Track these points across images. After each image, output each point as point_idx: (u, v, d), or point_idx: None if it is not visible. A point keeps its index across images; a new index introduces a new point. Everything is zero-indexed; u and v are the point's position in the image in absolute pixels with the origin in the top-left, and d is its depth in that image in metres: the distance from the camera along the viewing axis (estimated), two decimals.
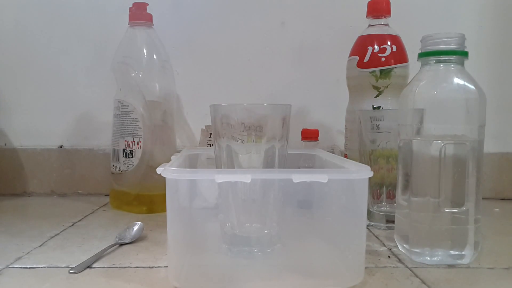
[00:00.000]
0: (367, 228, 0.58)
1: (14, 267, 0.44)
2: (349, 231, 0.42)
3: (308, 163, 0.60)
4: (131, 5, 0.70)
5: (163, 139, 0.70)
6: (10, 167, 0.82)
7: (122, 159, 0.68)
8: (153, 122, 0.68)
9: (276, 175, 0.41)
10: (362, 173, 0.40)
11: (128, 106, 0.67)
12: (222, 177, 0.38)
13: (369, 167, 0.41)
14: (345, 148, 0.70)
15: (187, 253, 0.43)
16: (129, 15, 0.70)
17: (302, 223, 0.51)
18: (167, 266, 0.45)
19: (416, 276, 0.43)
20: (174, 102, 0.73)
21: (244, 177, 0.38)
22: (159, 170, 0.39)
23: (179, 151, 0.61)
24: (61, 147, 0.83)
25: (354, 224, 0.41)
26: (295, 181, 0.38)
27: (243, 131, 0.45)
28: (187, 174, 0.39)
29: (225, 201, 0.45)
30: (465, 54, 0.46)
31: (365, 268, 0.42)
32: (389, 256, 0.49)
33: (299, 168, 0.60)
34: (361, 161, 0.59)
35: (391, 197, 0.59)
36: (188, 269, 0.42)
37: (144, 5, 0.70)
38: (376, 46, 0.63)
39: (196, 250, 0.46)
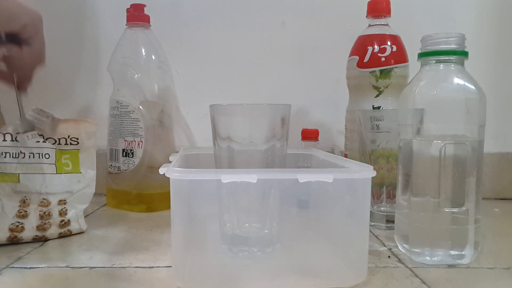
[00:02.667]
0: None
1: (14, 267, 0.44)
2: (351, 230, 0.42)
3: (307, 163, 0.60)
4: (129, 6, 0.70)
5: (161, 138, 0.70)
6: None
7: (121, 158, 0.68)
8: (152, 122, 0.68)
9: (281, 175, 0.41)
10: (366, 172, 0.40)
11: (128, 106, 0.67)
12: (228, 177, 0.38)
13: (371, 167, 0.41)
14: (345, 148, 0.70)
15: (190, 253, 0.43)
16: (127, 16, 0.70)
17: (302, 223, 0.51)
18: (167, 266, 0.45)
19: (416, 276, 0.43)
20: (172, 102, 0.73)
21: (249, 177, 0.38)
22: (162, 171, 0.39)
23: (177, 151, 0.61)
24: None
25: (357, 224, 0.41)
26: (300, 181, 0.38)
27: (242, 131, 0.45)
28: (192, 175, 0.39)
29: (225, 201, 0.45)
30: (465, 54, 0.46)
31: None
32: (389, 256, 0.49)
33: (299, 168, 0.61)
34: (361, 161, 0.58)
35: (391, 197, 0.59)
36: (191, 270, 0.42)
37: (142, 6, 0.70)
38: (376, 46, 0.63)
39: (198, 250, 0.46)
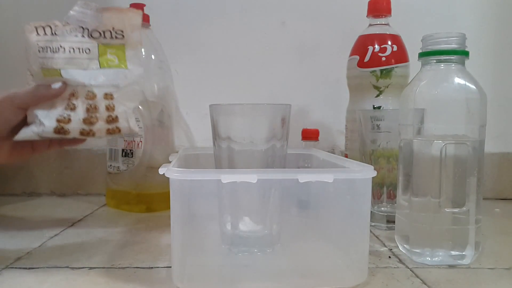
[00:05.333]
0: None
1: (13, 268, 0.44)
2: (352, 230, 0.42)
3: (307, 163, 0.60)
4: (128, 6, 0.69)
5: (161, 138, 0.70)
6: (9, 167, 0.81)
7: (121, 158, 0.68)
8: (152, 122, 0.68)
9: (281, 175, 0.41)
10: (366, 172, 0.40)
11: None
12: (228, 177, 0.38)
13: (372, 167, 0.41)
14: (345, 148, 0.70)
15: (189, 254, 0.43)
16: None
17: (303, 223, 0.51)
18: (166, 267, 0.44)
19: (417, 276, 0.43)
20: (172, 102, 0.73)
21: (249, 177, 0.38)
22: (161, 171, 0.39)
23: (176, 151, 0.61)
24: None
25: (357, 224, 0.41)
26: (301, 181, 0.38)
27: (242, 131, 0.45)
28: (191, 175, 0.38)
29: (225, 201, 0.45)
30: (466, 53, 0.46)
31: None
32: (389, 257, 0.49)
33: (299, 168, 0.60)
34: (361, 161, 0.58)
35: (392, 197, 0.59)
36: (190, 270, 0.42)
37: (141, 6, 0.70)
38: (376, 46, 0.63)
39: (198, 251, 0.46)
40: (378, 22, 0.65)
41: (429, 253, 0.46)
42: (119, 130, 0.50)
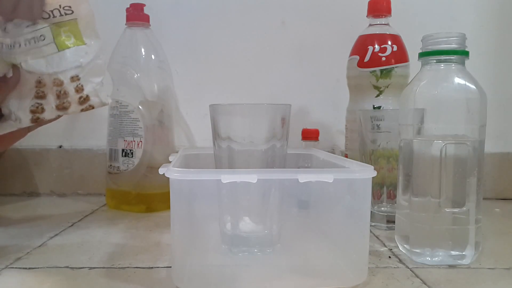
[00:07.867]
0: None
1: (13, 268, 0.44)
2: (352, 230, 0.42)
3: (307, 163, 0.60)
4: (128, 6, 0.70)
5: (161, 138, 0.70)
6: (9, 167, 0.81)
7: (121, 158, 0.68)
8: (152, 122, 0.68)
9: (281, 175, 0.41)
10: (366, 172, 0.40)
11: (128, 106, 0.67)
12: (228, 177, 0.38)
13: (372, 167, 0.41)
14: (345, 148, 0.70)
15: (189, 254, 0.43)
16: (127, 16, 0.70)
17: (302, 223, 0.51)
18: (167, 267, 0.44)
19: (417, 276, 0.43)
20: (172, 102, 0.73)
21: (249, 177, 0.38)
22: (161, 171, 0.39)
23: (176, 151, 0.61)
24: (60, 147, 0.83)
25: (357, 224, 0.41)
26: (301, 181, 0.38)
27: (242, 131, 0.45)
28: (191, 175, 0.38)
29: (225, 201, 0.45)
30: (466, 53, 0.46)
31: None
32: (389, 257, 0.49)
33: (299, 168, 0.60)
34: (361, 161, 0.58)
35: (392, 197, 0.59)
36: (190, 270, 0.42)
37: (141, 5, 0.70)
38: (376, 46, 0.63)
39: (198, 251, 0.46)
40: (378, 22, 0.65)
41: (429, 253, 0.46)
42: (92, 107, 0.50)
